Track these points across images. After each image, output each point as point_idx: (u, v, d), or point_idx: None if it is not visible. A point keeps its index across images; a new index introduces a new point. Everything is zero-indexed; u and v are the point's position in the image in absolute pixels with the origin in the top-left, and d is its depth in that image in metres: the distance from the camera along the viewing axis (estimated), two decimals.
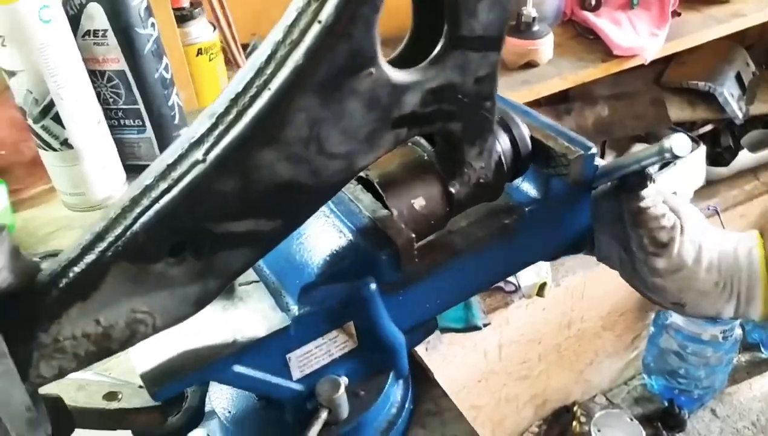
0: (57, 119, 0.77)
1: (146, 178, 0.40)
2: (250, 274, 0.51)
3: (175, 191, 0.39)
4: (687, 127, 1.81)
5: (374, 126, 0.43)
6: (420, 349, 1.42)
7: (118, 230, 0.40)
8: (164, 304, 0.43)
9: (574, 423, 1.88)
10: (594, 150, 0.53)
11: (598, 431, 1.79)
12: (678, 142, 0.47)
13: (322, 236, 0.50)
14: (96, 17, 0.78)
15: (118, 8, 0.78)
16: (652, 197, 0.53)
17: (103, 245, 0.40)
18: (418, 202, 0.49)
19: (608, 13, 1.49)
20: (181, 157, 0.40)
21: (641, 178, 0.52)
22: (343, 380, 0.51)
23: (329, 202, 0.51)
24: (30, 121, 0.77)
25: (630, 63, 1.41)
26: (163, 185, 0.40)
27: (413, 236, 0.47)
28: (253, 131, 0.39)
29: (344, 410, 0.52)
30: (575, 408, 1.93)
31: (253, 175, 0.41)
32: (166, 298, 0.42)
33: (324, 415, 0.50)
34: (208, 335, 0.47)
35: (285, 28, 0.39)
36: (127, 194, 0.41)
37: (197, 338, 0.47)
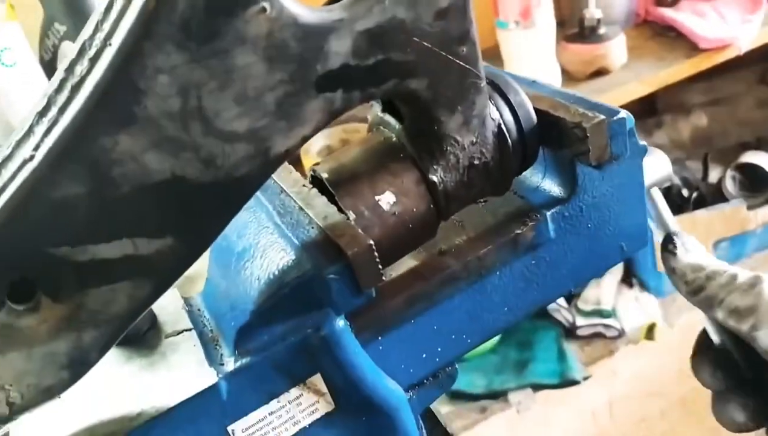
0: None
1: None
2: (181, 320, 0.39)
3: None
4: None
5: (287, 89, 0.30)
6: (509, 412, 1.23)
7: None
8: (20, 370, 0.30)
9: None
10: (624, 115, 0.37)
11: None
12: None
13: (261, 260, 0.37)
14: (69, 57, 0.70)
15: None
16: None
17: None
18: (386, 199, 0.35)
19: (689, 6, 1.31)
20: (7, 159, 0.29)
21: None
22: None
23: (273, 213, 0.38)
24: None
25: (722, 56, 1.21)
26: None
27: (370, 242, 0.33)
28: (95, 110, 0.27)
29: None
30: None
31: (110, 174, 0.28)
32: (21, 361, 0.30)
33: None
34: (110, 407, 0.34)
35: None
36: None
37: (96, 412, 0.34)
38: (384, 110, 0.37)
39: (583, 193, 0.41)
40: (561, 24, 1.20)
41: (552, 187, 0.42)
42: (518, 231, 0.40)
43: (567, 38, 1.20)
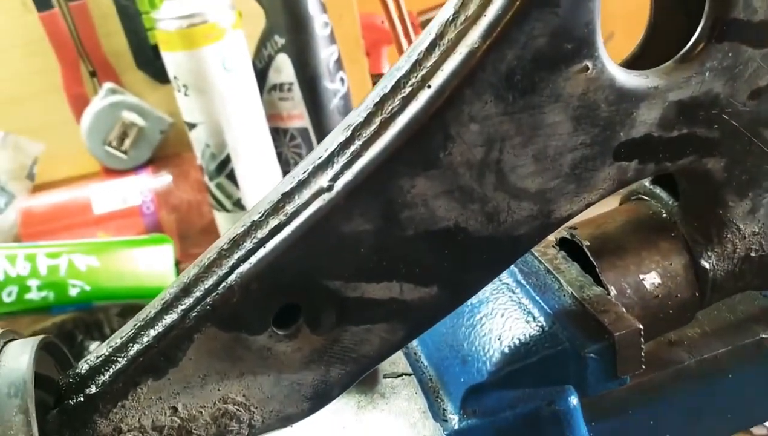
0: (232, 177, 0.71)
1: (255, 211, 0.29)
2: (399, 362, 0.37)
3: (287, 231, 0.28)
4: None
5: (585, 153, 0.28)
6: None
7: (209, 283, 0.28)
8: (267, 394, 0.30)
9: None
10: None
11: None
12: None
13: (502, 319, 0.35)
14: (283, 69, 0.72)
15: (306, 58, 0.71)
16: None
17: (188, 302, 0.28)
18: (651, 280, 0.33)
19: None
20: (302, 184, 0.28)
21: None
22: None
23: (515, 271, 0.37)
24: (206, 179, 0.73)
25: None
26: (274, 222, 0.28)
27: (639, 326, 0.31)
28: (401, 150, 0.27)
29: None
30: None
31: (399, 215, 0.28)
32: (270, 385, 0.30)
33: None
34: None
35: (459, 2, 0.27)
36: (229, 233, 0.29)
37: None
38: (654, 181, 0.35)
39: None
40: None
41: None
42: (763, 335, 0.36)
43: None
